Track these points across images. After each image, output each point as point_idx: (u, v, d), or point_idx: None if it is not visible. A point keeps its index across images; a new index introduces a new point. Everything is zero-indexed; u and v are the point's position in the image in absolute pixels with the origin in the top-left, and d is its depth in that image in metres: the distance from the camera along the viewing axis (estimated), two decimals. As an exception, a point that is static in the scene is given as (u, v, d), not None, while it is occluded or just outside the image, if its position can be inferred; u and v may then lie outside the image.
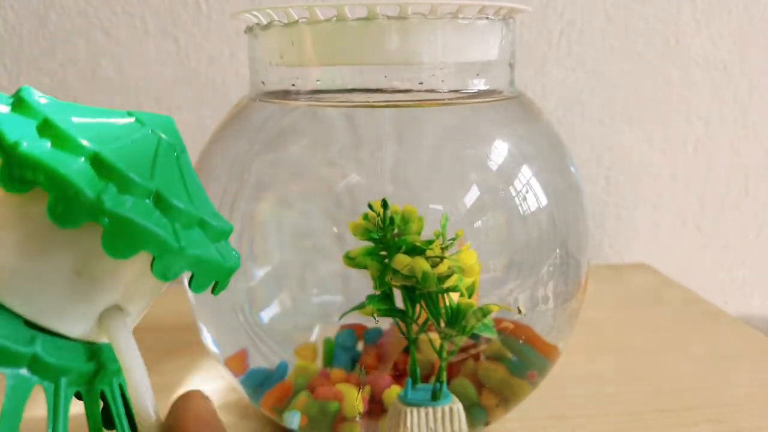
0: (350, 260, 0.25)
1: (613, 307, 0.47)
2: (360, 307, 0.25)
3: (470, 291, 0.25)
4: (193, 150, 0.20)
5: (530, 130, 0.29)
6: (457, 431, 0.27)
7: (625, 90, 0.55)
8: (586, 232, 0.29)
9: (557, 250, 0.28)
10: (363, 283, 0.25)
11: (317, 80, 0.27)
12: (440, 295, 0.25)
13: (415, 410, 0.26)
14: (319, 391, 0.28)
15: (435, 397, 0.26)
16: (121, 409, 0.18)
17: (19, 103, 0.16)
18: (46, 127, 0.16)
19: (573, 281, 0.29)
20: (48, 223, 0.15)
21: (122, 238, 0.15)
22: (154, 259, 0.16)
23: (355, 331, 0.30)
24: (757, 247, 0.60)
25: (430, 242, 0.25)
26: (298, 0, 0.51)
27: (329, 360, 0.29)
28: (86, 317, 0.17)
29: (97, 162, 0.15)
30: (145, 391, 0.17)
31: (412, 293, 0.25)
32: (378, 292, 0.25)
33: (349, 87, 0.26)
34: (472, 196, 0.26)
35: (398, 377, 0.28)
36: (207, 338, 0.30)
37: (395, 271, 0.24)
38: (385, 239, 0.25)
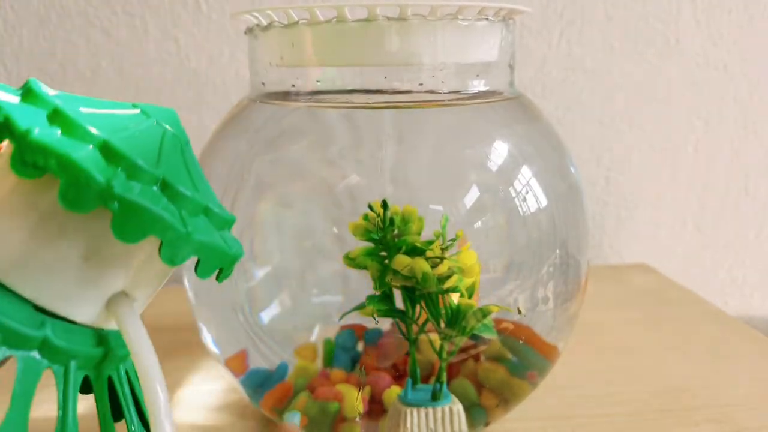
0: (350, 261, 0.25)
1: (613, 307, 0.47)
2: (360, 307, 0.25)
3: (470, 291, 0.25)
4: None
5: (530, 131, 0.29)
6: (457, 431, 0.27)
7: (625, 90, 0.55)
8: (586, 233, 0.29)
9: (557, 251, 0.28)
10: (363, 284, 0.25)
11: (317, 81, 0.27)
12: (440, 296, 0.25)
13: (415, 411, 0.26)
14: (319, 392, 0.28)
15: (435, 397, 0.26)
16: (128, 395, 0.18)
17: (28, 94, 0.16)
18: (56, 116, 0.16)
19: (573, 281, 0.29)
20: (58, 210, 0.16)
21: (131, 223, 0.16)
22: (162, 244, 0.16)
23: (355, 332, 0.30)
24: (757, 247, 0.60)
25: (430, 243, 0.25)
26: (298, 1, 0.51)
27: (329, 360, 0.29)
28: (94, 302, 0.17)
29: (106, 149, 0.16)
30: (155, 375, 0.17)
31: (412, 294, 0.25)
32: (378, 293, 0.25)
33: (349, 88, 0.27)
34: (472, 196, 0.26)
35: (398, 377, 0.28)
36: (207, 338, 0.30)
37: (395, 272, 0.24)
38: (385, 240, 0.25)
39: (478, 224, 0.26)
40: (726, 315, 0.46)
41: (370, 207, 0.25)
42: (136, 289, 0.18)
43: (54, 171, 0.15)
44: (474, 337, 0.28)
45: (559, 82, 0.55)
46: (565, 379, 0.35)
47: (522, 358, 0.29)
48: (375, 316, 0.25)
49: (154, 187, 0.16)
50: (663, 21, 0.54)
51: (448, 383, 0.28)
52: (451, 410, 0.26)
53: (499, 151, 0.28)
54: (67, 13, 0.50)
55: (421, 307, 0.25)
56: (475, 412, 0.28)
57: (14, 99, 0.16)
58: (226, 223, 0.19)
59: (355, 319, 0.26)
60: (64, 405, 0.16)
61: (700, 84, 0.56)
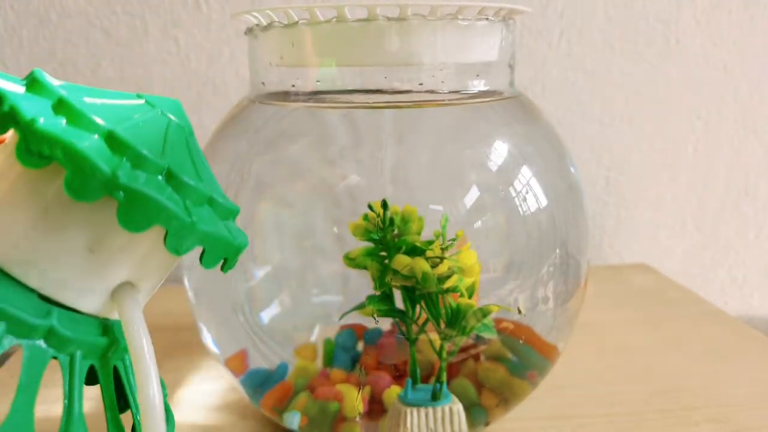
0: (350, 261, 0.25)
1: (613, 307, 0.47)
2: (360, 307, 0.25)
3: (470, 291, 0.25)
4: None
5: (530, 131, 0.29)
6: (457, 431, 0.27)
7: (625, 90, 0.55)
8: (586, 233, 0.29)
9: (557, 251, 0.28)
10: (363, 284, 0.25)
11: (317, 81, 0.27)
12: (440, 296, 0.25)
13: (415, 410, 0.26)
14: (319, 392, 0.28)
15: (435, 397, 0.26)
16: (134, 385, 0.18)
17: (33, 84, 0.16)
18: (61, 106, 0.16)
19: (573, 281, 0.29)
20: (63, 200, 0.16)
21: (137, 212, 0.16)
22: (167, 234, 0.16)
23: (355, 332, 0.30)
24: (757, 247, 0.60)
25: (430, 243, 0.25)
26: (298, 1, 0.51)
27: (329, 360, 0.29)
28: (99, 292, 0.17)
29: (111, 139, 0.16)
30: (148, 366, 0.17)
31: (412, 294, 0.25)
32: (378, 293, 0.25)
33: (349, 88, 0.27)
34: (472, 196, 0.26)
35: (398, 377, 0.28)
36: (207, 338, 0.30)
37: (395, 272, 0.24)
38: (385, 240, 0.25)
39: (478, 224, 0.26)
40: (726, 315, 0.46)
41: (370, 207, 0.25)
42: (141, 280, 0.18)
43: (59, 160, 0.15)
44: (474, 336, 0.28)
45: (559, 82, 0.55)
46: (565, 379, 0.35)
47: (522, 357, 0.29)
48: (375, 316, 0.25)
49: (159, 177, 0.17)
50: (663, 21, 0.54)
51: (448, 383, 0.28)
52: (451, 410, 0.26)
53: (499, 151, 0.28)
54: (67, 13, 0.50)
55: (421, 307, 0.25)
56: (475, 411, 0.28)
57: (19, 89, 0.16)
58: (231, 213, 0.19)
59: (355, 319, 0.26)
60: (70, 394, 0.16)
61: (700, 84, 0.56)
